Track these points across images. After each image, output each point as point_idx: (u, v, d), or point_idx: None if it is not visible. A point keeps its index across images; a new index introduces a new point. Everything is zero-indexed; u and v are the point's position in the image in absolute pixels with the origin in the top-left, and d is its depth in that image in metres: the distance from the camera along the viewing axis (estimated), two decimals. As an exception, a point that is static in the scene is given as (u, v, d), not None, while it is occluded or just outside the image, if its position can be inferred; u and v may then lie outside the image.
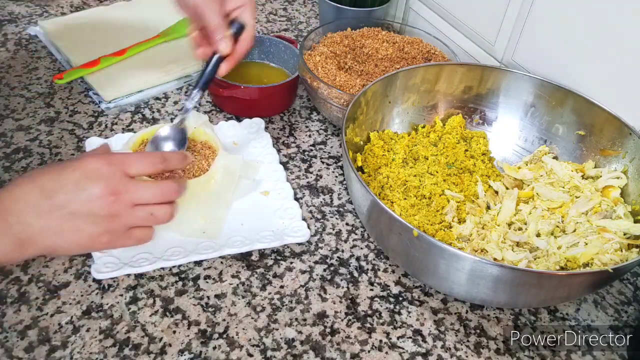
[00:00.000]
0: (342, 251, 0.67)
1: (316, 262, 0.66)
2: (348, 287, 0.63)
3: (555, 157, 0.75)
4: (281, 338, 0.58)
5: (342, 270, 0.65)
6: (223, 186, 0.68)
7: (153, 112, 0.84)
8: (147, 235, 0.55)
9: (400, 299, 0.63)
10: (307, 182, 0.76)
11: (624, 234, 0.62)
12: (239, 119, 0.83)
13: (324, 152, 0.81)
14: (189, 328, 0.57)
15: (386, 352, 0.57)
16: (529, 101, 0.77)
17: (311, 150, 0.81)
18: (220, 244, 0.64)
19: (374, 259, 0.67)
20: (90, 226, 0.50)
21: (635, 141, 0.67)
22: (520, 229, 0.66)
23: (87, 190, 0.50)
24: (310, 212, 0.72)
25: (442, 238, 0.63)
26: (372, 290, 0.63)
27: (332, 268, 0.65)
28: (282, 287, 0.62)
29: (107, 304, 0.59)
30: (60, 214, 0.49)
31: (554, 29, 0.77)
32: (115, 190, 0.51)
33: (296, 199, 0.72)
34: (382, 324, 0.60)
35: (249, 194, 0.71)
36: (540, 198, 0.69)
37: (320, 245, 0.68)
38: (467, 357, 0.58)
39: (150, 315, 0.58)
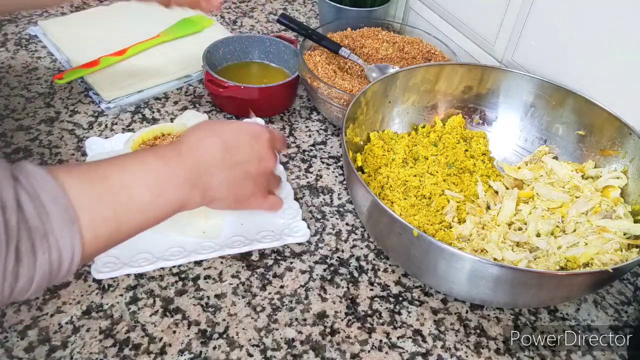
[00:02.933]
0: (342, 251, 0.67)
1: (316, 262, 0.66)
2: (348, 287, 0.63)
3: (555, 157, 0.75)
4: (281, 338, 0.58)
5: (342, 270, 0.65)
6: None
7: (153, 112, 0.84)
8: (279, 203, 0.59)
9: (400, 299, 0.63)
10: (307, 182, 0.76)
11: (624, 234, 0.63)
12: (239, 119, 0.83)
13: (324, 152, 0.81)
14: (189, 328, 0.57)
15: (386, 352, 0.57)
16: (529, 101, 0.77)
17: (311, 150, 0.81)
18: (220, 244, 0.64)
19: (374, 259, 0.67)
20: (252, 185, 0.54)
21: (635, 141, 0.67)
22: (520, 229, 0.66)
23: (260, 153, 0.54)
24: (310, 212, 0.72)
25: (442, 238, 0.63)
26: (372, 290, 0.63)
27: (332, 268, 0.65)
28: (282, 287, 0.62)
29: (107, 304, 0.59)
30: (237, 170, 0.52)
31: (554, 29, 0.77)
32: (274, 155, 0.56)
33: (296, 199, 0.72)
34: (382, 324, 0.60)
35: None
36: (540, 198, 0.69)
37: (320, 245, 0.68)
38: (467, 357, 0.58)
39: (150, 315, 0.58)
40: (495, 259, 0.61)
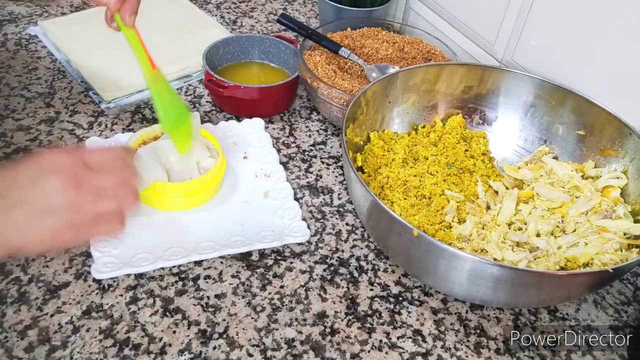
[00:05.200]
0: (342, 251, 0.67)
1: (316, 262, 0.66)
2: (348, 287, 0.63)
3: (555, 157, 0.75)
4: (281, 338, 0.58)
5: (342, 270, 0.65)
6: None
7: (153, 112, 0.84)
8: (115, 224, 0.51)
9: (400, 299, 0.63)
10: (307, 182, 0.76)
11: (624, 234, 0.63)
12: (239, 119, 0.83)
13: (324, 152, 0.81)
14: (189, 328, 0.57)
15: (386, 352, 0.58)
16: (529, 101, 0.77)
17: (311, 150, 0.81)
18: (220, 244, 0.64)
19: (374, 259, 0.67)
20: (50, 221, 0.47)
21: (635, 141, 0.67)
22: (520, 229, 0.66)
23: (45, 183, 0.46)
24: (310, 212, 0.72)
25: (442, 238, 0.64)
26: (372, 290, 0.63)
27: (332, 268, 0.65)
28: (282, 287, 0.62)
29: (107, 304, 0.59)
30: (17, 211, 0.46)
31: (554, 29, 0.77)
32: (75, 179, 0.47)
33: (296, 199, 0.72)
34: (382, 324, 0.60)
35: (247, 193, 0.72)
36: (540, 198, 0.69)
37: (320, 245, 0.68)
38: (467, 357, 0.58)
39: (150, 315, 0.58)
40: (495, 259, 0.61)
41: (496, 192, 0.71)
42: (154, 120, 0.83)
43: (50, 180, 0.46)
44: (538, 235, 0.64)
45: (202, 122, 0.82)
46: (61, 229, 0.47)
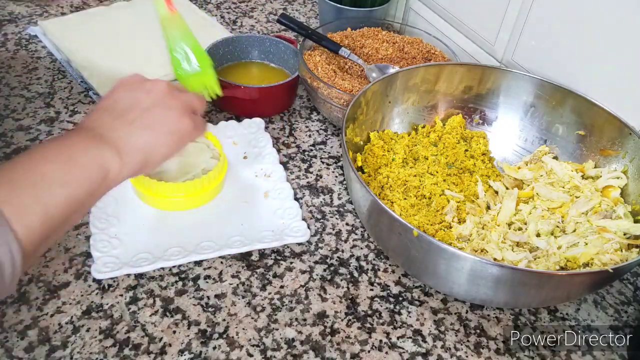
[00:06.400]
0: (342, 251, 0.67)
1: (316, 262, 0.66)
2: (348, 287, 0.63)
3: (555, 157, 0.75)
4: (281, 338, 0.58)
5: (342, 270, 0.65)
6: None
7: (153, 112, 0.84)
8: (203, 122, 0.57)
9: (400, 299, 0.63)
10: (307, 182, 0.76)
11: (624, 234, 0.63)
12: (239, 119, 0.83)
13: (324, 152, 0.81)
14: (189, 328, 0.58)
15: (386, 352, 0.58)
16: (529, 101, 0.77)
17: (311, 150, 0.81)
18: (220, 244, 0.64)
19: (374, 259, 0.67)
20: (165, 111, 0.53)
21: (635, 141, 0.67)
22: (520, 229, 0.66)
23: (139, 89, 0.54)
24: (310, 212, 0.72)
25: (442, 238, 0.64)
26: (372, 290, 0.63)
27: (332, 268, 0.65)
28: (282, 287, 0.62)
29: (107, 304, 0.59)
30: (134, 114, 0.51)
31: (554, 29, 0.77)
32: (159, 80, 0.55)
33: (296, 199, 0.72)
34: (382, 324, 0.60)
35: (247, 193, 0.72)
36: (540, 198, 0.69)
37: (320, 245, 0.68)
38: (467, 357, 0.58)
39: (150, 315, 0.58)
40: (495, 259, 0.61)
41: (496, 192, 0.71)
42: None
43: (142, 85, 0.54)
44: (538, 235, 0.64)
45: (202, 122, 0.82)
46: (178, 115, 0.53)
